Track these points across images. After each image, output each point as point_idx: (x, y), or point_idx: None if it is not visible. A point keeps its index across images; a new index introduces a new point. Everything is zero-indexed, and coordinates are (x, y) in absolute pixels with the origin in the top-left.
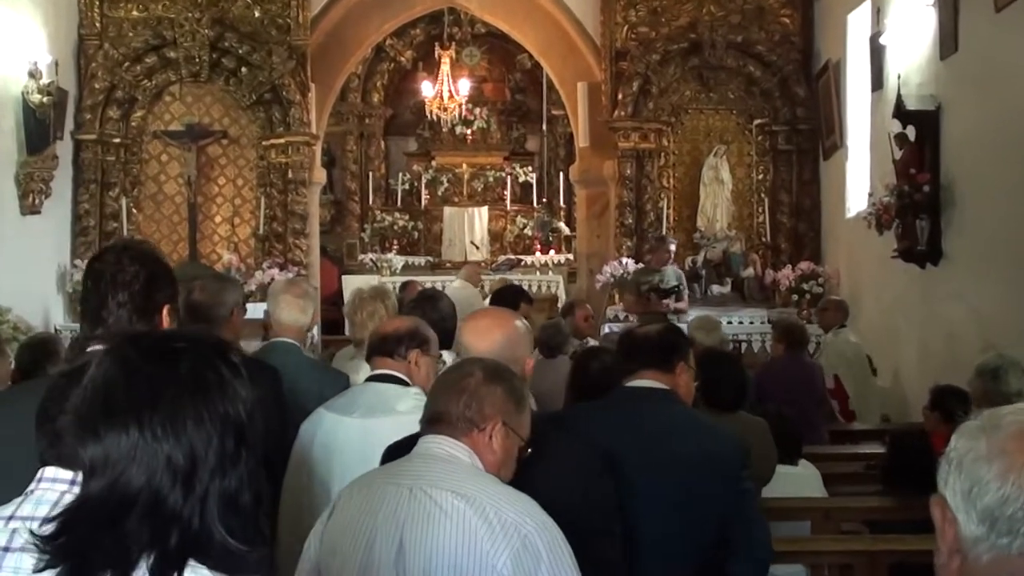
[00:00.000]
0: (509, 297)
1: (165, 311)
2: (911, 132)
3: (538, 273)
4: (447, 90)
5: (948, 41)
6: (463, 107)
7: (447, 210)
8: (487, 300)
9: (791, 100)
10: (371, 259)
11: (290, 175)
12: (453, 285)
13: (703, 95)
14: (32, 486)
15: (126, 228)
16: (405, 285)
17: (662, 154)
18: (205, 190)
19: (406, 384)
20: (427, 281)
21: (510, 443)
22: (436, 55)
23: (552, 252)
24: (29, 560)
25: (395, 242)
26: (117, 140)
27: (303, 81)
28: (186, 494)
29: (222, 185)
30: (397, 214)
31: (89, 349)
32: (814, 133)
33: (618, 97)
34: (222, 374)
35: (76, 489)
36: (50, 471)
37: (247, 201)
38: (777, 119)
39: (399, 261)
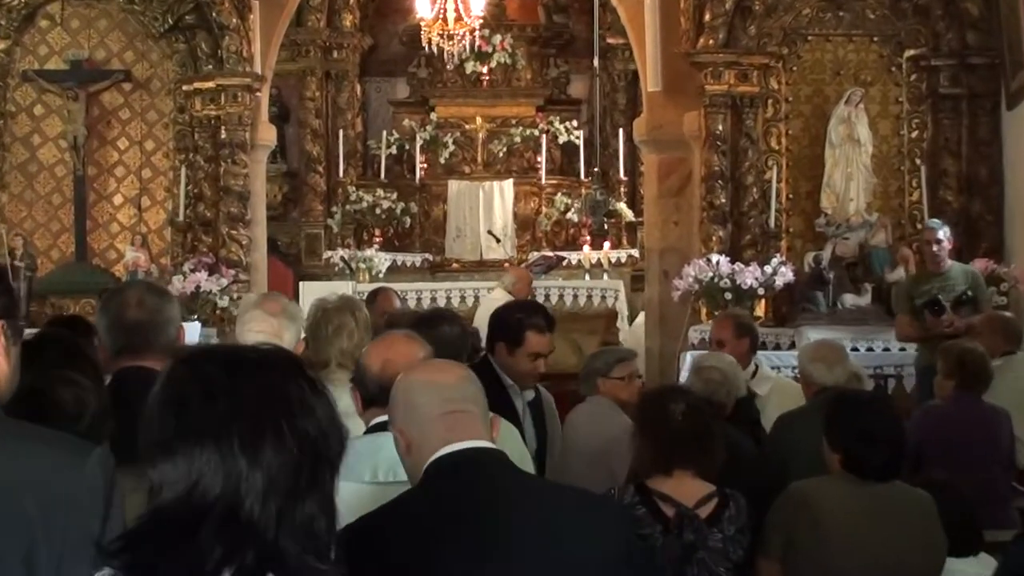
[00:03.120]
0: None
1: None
2: None
3: (588, 277)
4: (453, 8)
5: None
6: (476, 34)
7: (453, 185)
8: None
9: (959, 22)
10: (342, 257)
11: (224, 135)
12: (491, 296)
13: (829, 16)
14: None
15: None
16: (375, 295)
17: (769, 102)
18: (99, 157)
19: None
20: (424, 290)
21: None
22: None
23: (608, 246)
24: None
25: (377, 233)
26: None
27: None
28: (263, 507)
29: (124, 150)
30: (380, 191)
31: None
32: (993, 70)
33: (704, 18)
34: (303, 389)
35: None
36: None
37: (160, 173)
38: (939, 50)
39: (383, 261)
